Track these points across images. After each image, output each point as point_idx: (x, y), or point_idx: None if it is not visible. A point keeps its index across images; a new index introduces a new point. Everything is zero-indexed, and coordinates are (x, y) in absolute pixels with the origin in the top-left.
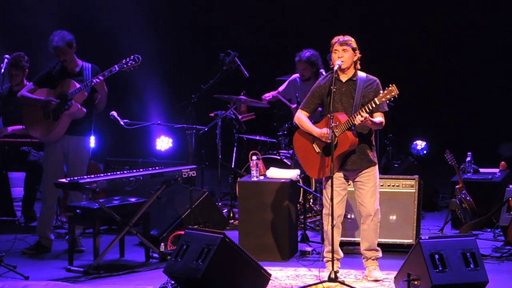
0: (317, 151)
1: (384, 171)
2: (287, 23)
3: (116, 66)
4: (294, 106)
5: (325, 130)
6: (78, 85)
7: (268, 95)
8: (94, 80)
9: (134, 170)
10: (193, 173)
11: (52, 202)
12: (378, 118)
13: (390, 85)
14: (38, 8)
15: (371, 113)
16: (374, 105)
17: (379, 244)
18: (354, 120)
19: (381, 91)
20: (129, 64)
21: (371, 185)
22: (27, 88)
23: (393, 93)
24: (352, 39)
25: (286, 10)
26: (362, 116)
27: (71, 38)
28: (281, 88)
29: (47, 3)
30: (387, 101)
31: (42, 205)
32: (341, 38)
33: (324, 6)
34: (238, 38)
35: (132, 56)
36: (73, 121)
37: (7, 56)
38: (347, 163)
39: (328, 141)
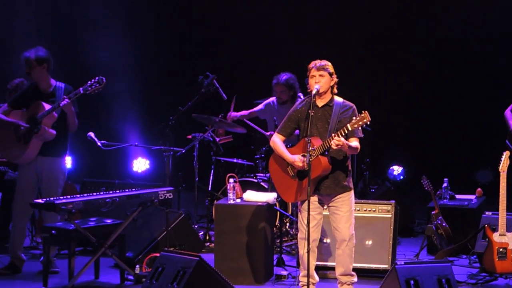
0: (291, 174)
1: (361, 196)
2: (267, 46)
3: (81, 88)
4: (268, 133)
5: (297, 158)
6: (47, 108)
7: (235, 114)
8: (61, 103)
9: (111, 192)
10: (170, 195)
11: (23, 223)
12: (354, 142)
13: (363, 111)
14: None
15: (345, 139)
16: (346, 131)
17: (355, 269)
18: (330, 143)
19: (354, 118)
20: (93, 87)
21: (346, 210)
22: (1, 110)
23: (365, 120)
24: (329, 64)
25: (268, 32)
26: (337, 141)
27: (43, 55)
28: (257, 108)
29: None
30: (361, 127)
31: (13, 226)
32: (318, 63)
33: (305, 28)
34: (217, 60)
35: (96, 78)
36: (46, 142)
37: None
38: (321, 188)
39: (300, 168)
